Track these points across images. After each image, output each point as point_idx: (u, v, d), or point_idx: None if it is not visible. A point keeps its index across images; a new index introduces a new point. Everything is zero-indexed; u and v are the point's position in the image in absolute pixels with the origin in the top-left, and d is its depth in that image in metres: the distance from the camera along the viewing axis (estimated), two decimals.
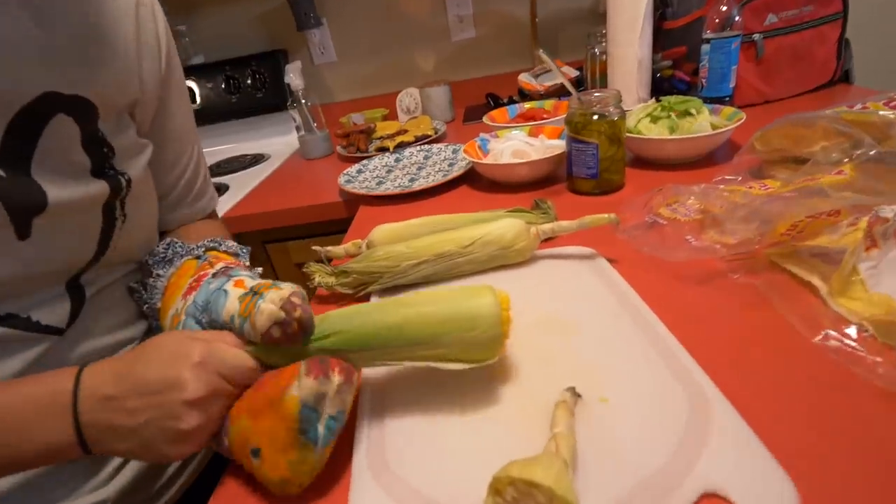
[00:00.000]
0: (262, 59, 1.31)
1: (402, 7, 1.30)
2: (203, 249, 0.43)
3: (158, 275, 0.42)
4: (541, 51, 0.65)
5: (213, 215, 0.56)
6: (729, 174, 0.60)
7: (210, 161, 1.27)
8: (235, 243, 0.47)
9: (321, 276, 0.50)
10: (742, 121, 0.66)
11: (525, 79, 1.19)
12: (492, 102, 1.21)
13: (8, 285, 0.34)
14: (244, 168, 1.19)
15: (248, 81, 1.31)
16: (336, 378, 0.28)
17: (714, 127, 0.68)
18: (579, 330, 0.38)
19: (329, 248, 0.56)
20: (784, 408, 0.30)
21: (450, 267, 0.48)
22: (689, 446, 0.27)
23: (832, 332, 0.35)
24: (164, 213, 0.49)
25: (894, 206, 0.38)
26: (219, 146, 1.39)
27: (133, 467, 0.41)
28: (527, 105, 1.00)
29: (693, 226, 0.53)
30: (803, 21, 0.86)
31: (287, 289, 0.31)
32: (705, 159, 0.70)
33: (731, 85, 0.84)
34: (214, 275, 0.38)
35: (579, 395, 0.31)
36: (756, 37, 0.85)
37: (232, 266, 0.40)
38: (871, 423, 0.28)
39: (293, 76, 1.07)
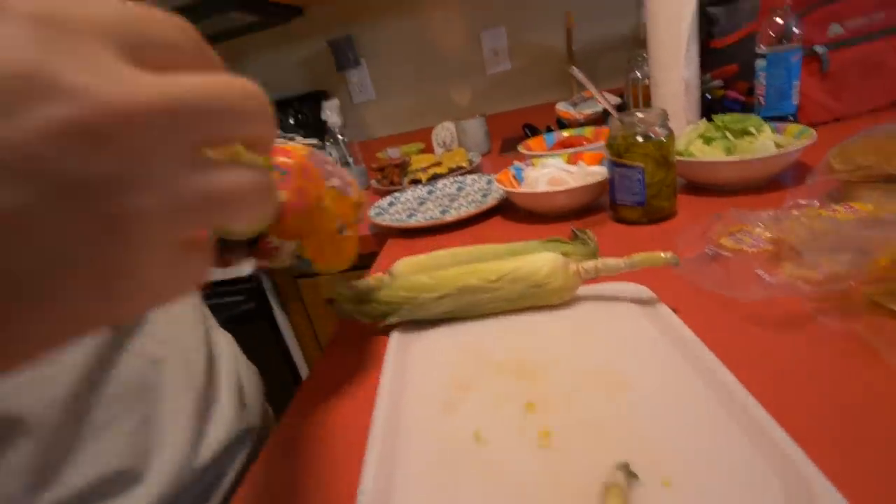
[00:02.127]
0: (303, 100, 1.35)
1: (438, 44, 1.32)
2: None
3: None
4: (573, 69, 0.61)
5: None
6: (801, 198, 0.52)
7: None
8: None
9: (344, 303, 0.46)
10: (813, 140, 0.59)
11: (563, 107, 1.15)
12: (528, 133, 1.18)
13: None
14: None
15: (291, 122, 1.35)
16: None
17: (779, 146, 0.60)
18: (633, 388, 0.32)
19: (354, 282, 0.53)
20: None
21: (474, 303, 0.43)
22: None
23: None
24: None
25: None
26: None
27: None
28: (565, 133, 0.96)
29: (764, 258, 0.45)
30: (874, 30, 0.78)
31: None
32: (769, 184, 0.62)
33: (795, 102, 0.76)
34: None
35: (635, 475, 0.24)
36: (819, 49, 0.78)
37: None
38: None
39: (330, 113, 1.08)
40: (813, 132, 0.60)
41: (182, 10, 0.95)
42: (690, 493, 0.24)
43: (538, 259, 0.42)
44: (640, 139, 0.55)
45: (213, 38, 1.33)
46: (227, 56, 1.37)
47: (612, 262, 0.41)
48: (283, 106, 1.37)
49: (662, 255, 0.39)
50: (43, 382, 0.29)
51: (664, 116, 0.55)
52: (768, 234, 0.47)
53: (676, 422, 0.28)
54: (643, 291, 0.42)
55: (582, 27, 1.20)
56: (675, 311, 0.39)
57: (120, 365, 0.33)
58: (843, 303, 0.36)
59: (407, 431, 0.32)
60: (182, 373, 0.38)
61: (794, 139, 0.62)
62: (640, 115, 0.56)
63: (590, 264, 0.41)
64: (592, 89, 0.59)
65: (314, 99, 1.36)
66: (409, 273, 0.48)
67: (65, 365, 0.30)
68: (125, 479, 0.32)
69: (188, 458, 0.36)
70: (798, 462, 0.23)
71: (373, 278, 0.51)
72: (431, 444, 0.31)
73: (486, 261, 0.46)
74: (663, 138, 0.55)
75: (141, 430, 0.34)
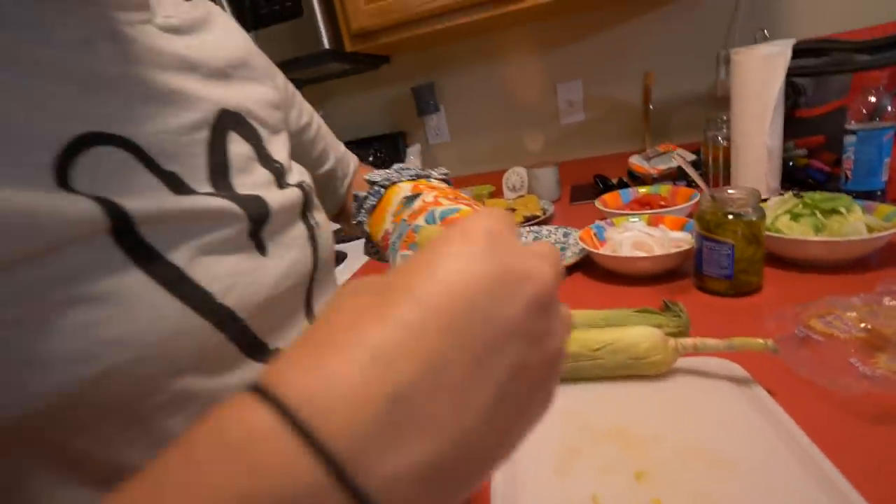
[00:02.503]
0: (383, 139, 1.46)
1: (514, 93, 1.39)
2: (411, 176, 0.47)
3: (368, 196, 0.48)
4: (676, 152, 0.65)
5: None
6: (893, 283, 0.54)
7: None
8: (439, 170, 0.50)
9: None
10: None
11: (636, 161, 1.19)
12: (601, 184, 1.22)
13: (268, 315, 0.34)
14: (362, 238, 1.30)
15: (370, 159, 1.45)
16: None
17: (870, 228, 0.62)
18: (734, 468, 0.35)
19: None
20: None
21: (575, 369, 0.48)
22: None
23: None
24: (335, 196, 0.59)
25: None
26: None
27: None
28: (641, 190, 0.99)
29: (857, 346, 0.47)
30: None
31: None
32: (859, 263, 0.63)
33: (884, 178, 0.77)
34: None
35: None
36: None
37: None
38: None
39: (413, 158, 1.17)
40: None
41: (286, 63, 1.08)
42: None
43: (639, 333, 0.46)
44: (731, 217, 0.58)
45: (308, 81, 1.47)
46: (318, 95, 1.51)
47: (711, 342, 0.44)
48: (364, 144, 1.48)
49: (762, 341, 0.42)
50: None
51: (757, 197, 0.58)
52: (861, 322, 0.49)
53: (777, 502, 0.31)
54: (737, 370, 0.45)
55: (658, 81, 1.24)
56: (770, 393, 0.42)
57: None
58: None
59: (524, 491, 0.37)
60: None
61: (883, 221, 0.63)
62: (732, 192, 0.59)
63: (689, 342, 0.45)
64: (694, 175, 0.63)
65: (393, 140, 1.47)
66: None
67: None
68: None
69: None
70: None
71: None
72: None
73: (584, 327, 0.51)
74: (754, 217, 0.58)
75: None
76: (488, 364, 0.15)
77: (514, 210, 1.12)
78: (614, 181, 1.22)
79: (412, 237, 0.40)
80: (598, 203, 0.96)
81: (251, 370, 0.32)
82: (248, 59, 0.43)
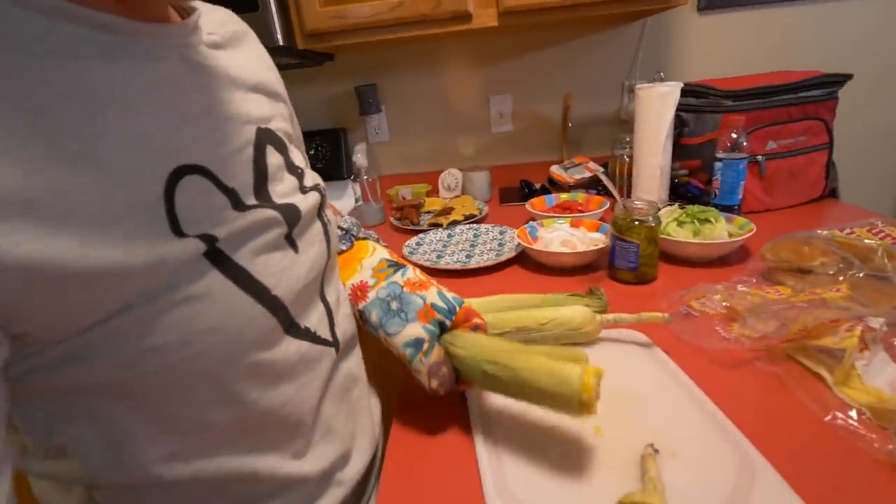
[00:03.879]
0: (325, 134, 1.50)
1: (451, 101, 1.51)
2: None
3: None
4: (600, 171, 0.80)
5: None
6: (744, 276, 0.74)
7: None
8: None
9: None
10: (752, 231, 0.81)
11: (556, 170, 1.37)
12: (526, 189, 1.38)
13: (300, 300, 0.41)
14: None
15: (312, 153, 1.48)
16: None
17: (730, 235, 0.83)
18: (645, 403, 0.50)
19: None
20: (804, 472, 0.40)
21: (526, 340, 0.60)
22: (737, 495, 0.38)
23: (839, 414, 0.46)
24: None
25: (880, 319, 0.51)
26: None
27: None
28: (562, 196, 1.16)
29: (720, 319, 0.65)
30: (798, 148, 1.04)
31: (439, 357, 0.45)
32: (721, 260, 0.84)
33: (739, 196, 1.00)
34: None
35: (657, 451, 0.41)
36: (760, 158, 1.03)
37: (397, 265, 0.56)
38: (872, 485, 0.39)
39: (360, 156, 1.23)
40: (753, 226, 0.82)
41: None
42: (686, 460, 0.41)
43: (574, 311, 0.59)
44: (637, 223, 0.75)
45: None
46: None
47: (625, 317, 0.59)
48: (307, 137, 1.50)
49: (661, 315, 0.58)
50: (307, 392, 0.42)
51: (656, 208, 0.76)
52: (723, 302, 0.67)
53: (675, 422, 0.46)
54: (643, 338, 0.61)
55: (575, 101, 1.43)
56: (666, 352, 0.58)
57: (337, 376, 0.48)
58: (769, 354, 0.56)
59: (499, 419, 0.48)
60: (363, 382, 0.54)
61: (739, 229, 0.85)
62: (638, 204, 0.76)
63: (610, 317, 0.59)
64: (611, 187, 0.78)
65: (335, 135, 1.51)
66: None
67: (315, 379, 0.44)
68: (345, 455, 0.47)
69: (374, 441, 0.52)
70: (743, 444, 0.42)
71: None
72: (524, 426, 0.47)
73: (529, 308, 0.63)
74: (654, 224, 0.75)
75: (349, 419, 0.49)
76: None
77: (452, 209, 1.24)
78: (537, 186, 1.39)
79: (433, 313, 0.50)
80: (528, 206, 1.11)
81: (288, 344, 0.40)
82: (270, 75, 0.49)
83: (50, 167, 0.25)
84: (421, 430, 0.50)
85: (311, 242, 0.45)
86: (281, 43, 1.07)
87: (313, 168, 1.17)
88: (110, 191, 0.28)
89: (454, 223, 1.15)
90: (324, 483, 0.45)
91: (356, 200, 1.30)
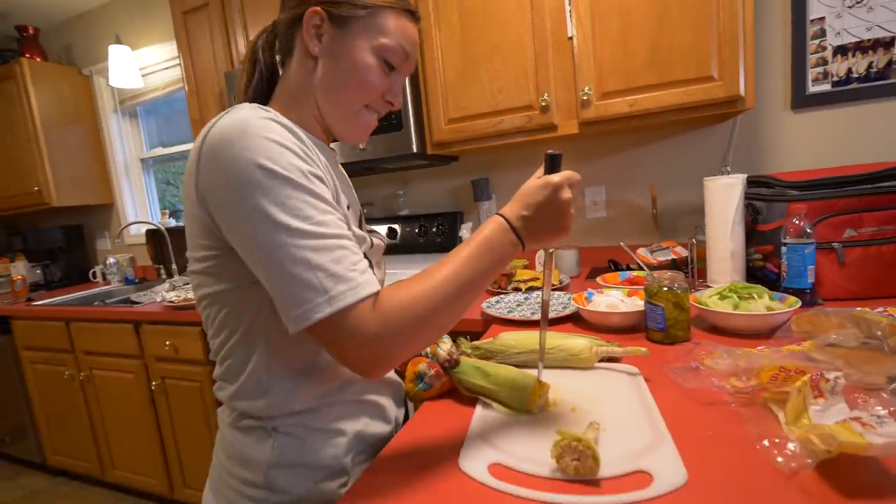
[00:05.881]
0: (444, 216, 1.87)
1: None
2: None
3: None
4: (622, 244, 0.96)
5: None
6: (769, 343, 0.80)
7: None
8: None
9: (464, 346, 0.84)
10: (794, 308, 0.86)
11: (643, 252, 1.49)
12: (613, 266, 1.52)
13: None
14: None
15: (433, 230, 1.86)
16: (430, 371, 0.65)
17: (770, 310, 0.88)
18: (604, 402, 0.64)
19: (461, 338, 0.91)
20: (700, 457, 0.51)
21: (536, 359, 0.78)
22: (643, 453, 0.51)
23: (769, 441, 0.54)
24: None
25: (836, 373, 0.58)
26: (405, 270, 1.93)
27: None
28: (634, 273, 1.28)
29: (723, 374, 0.74)
30: (886, 237, 1.03)
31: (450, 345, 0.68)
32: (758, 333, 0.88)
33: (810, 280, 1.02)
34: None
35: (598, 424, 0.57)
36: (836, 245, 1.04)
37: None
38: (765, 482, 0.48)
39: (465, 233, 1.55)
40: (798, 303, 0.87)
41: (387, 159, 1.54)
42: (613, 432, 0.56)
43: (577, 342, 0.76)
44: (665, 289, 0.88)
45: (397, 170, 1.94)
46: (402, 180, 1.97)
47: (615, 348, 0.74)
48: (431, 218, 1.89)
49: (639, 349, 0.72)
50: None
51: (681, 279, 0.88)
52: (731, 360, 0.76)
53: (617, 413, 0.60)
54: (632, 368, 0.74)
55: (665, 193, 1.56)
56: (646, 380, 0.70)
57: None
58: (748, 399, 0.65)
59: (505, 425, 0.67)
60: None
61: (785, 307, 0.89)
62: (668, 274, 0.89)
63: (602, 348, 0.75)
64: (640, 262, 0.94)
65: (453, 217, 1.87)
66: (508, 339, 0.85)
67: None
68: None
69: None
70: (664, 433, 0.54)
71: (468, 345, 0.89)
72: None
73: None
74: (679, 291, 0.87)
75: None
76: (549, 211, 0.57)
77: (537, 279, 1.44)
78: (624, 266, 1.52)
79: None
80: (599, 279, 1.26)
81: None
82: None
83: (341, 194, 0.63)
84: (435, 408, 0.72)
85: (378, 264, 0.75)
86: (415, 150, 1.49)
87: (434, 242, 1.46)
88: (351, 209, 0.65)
89: (532, 289, 1.35)
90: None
91: None
